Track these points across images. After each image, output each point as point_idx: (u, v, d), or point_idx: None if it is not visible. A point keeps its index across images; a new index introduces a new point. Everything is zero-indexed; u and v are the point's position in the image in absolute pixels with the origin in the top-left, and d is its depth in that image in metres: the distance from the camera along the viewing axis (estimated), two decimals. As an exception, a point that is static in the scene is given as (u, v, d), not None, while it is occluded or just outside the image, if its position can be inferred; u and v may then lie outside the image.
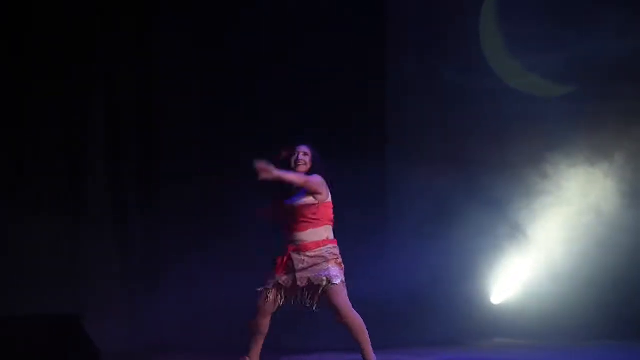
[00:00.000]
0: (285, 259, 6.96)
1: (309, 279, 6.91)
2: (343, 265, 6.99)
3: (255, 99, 9.61)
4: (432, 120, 9.80)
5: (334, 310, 6.89)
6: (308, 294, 6.94)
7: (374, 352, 6.91)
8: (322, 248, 6.94)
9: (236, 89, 9.68)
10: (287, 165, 7.00)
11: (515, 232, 9.51)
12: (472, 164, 9.64)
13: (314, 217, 6.97)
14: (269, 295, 6.94)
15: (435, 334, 9.19)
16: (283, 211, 7.03)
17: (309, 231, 6.96)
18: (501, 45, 9.70)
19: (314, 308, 6.95)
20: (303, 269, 6.92)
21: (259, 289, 6.95)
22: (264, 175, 6.69)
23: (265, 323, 6.98)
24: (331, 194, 7.03)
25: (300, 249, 6.95)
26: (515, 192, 9.57)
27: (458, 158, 9.69)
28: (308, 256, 6.93)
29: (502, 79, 9.67)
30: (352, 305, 6.92)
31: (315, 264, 6.91)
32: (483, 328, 9.44)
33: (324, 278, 6.88)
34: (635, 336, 9.18)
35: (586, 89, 9.63)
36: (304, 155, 7.04)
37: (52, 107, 9.12)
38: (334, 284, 6.87)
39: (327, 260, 6.91)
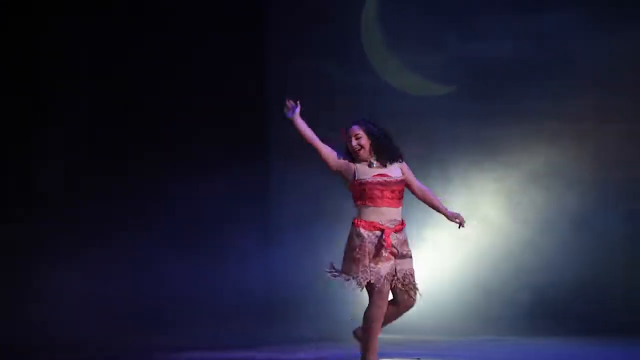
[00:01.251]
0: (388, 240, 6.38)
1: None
2: None
3: (144, 100, 9.64)
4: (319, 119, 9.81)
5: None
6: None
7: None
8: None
9: (129, 90, 9.64)
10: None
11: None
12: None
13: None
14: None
15: (308, 331, 9.17)
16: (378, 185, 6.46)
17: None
18: (383, 45, 9.73)
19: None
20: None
21: (372, 281, 6.36)
22: (287, 113, 6.39)
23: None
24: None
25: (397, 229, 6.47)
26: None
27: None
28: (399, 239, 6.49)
29: (382, 77, 9.71)
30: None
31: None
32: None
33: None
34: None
35: (470, 89, 9.69)
36: (356, 139, 6.45)
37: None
38: None
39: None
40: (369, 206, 6.45)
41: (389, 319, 6.47)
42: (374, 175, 6.45)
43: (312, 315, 9.43)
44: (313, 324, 9.27)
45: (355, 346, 6.50)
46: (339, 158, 6.53)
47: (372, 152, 6.50)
